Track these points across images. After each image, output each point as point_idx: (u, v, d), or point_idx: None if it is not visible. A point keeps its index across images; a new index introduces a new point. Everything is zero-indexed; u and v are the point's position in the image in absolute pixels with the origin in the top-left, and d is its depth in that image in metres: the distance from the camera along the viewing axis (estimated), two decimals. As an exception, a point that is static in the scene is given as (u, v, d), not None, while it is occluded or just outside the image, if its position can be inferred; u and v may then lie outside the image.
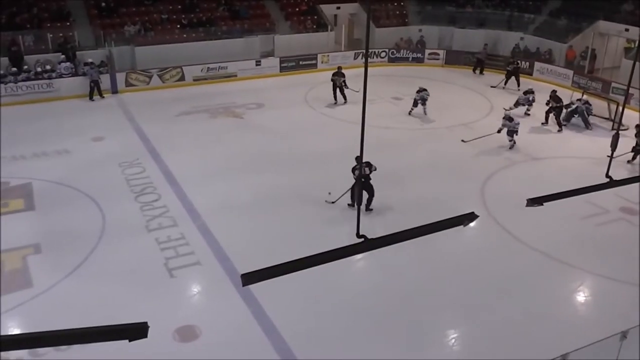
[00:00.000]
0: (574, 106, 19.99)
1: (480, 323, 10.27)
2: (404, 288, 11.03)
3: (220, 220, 13.08)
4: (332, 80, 21.56)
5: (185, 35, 24.99)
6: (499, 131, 17.77)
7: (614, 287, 11.43)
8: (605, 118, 20.09)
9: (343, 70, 21.74)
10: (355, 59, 26.89)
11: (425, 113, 20.36)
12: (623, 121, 19.24)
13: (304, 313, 10.22)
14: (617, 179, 6.95)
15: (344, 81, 21.33)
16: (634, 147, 16.77)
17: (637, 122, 17.37)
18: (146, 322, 3.63)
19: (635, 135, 16.92)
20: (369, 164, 12.92)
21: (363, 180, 12.63)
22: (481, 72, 26.52)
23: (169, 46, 24.01)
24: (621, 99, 19.11)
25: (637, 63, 20.81)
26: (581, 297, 11.42)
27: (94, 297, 10.40)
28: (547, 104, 19.94)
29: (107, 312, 9.45)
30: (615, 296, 11.17)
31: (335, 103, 21.54)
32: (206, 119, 19.87)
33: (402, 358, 9.22)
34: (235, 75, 24.53)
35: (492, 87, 24.06)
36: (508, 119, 17.88)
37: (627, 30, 24.61)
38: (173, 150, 16.83)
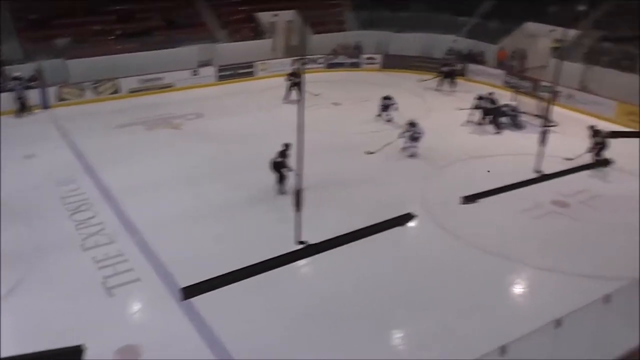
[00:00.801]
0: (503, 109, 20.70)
1: (423, 320, 10.42)
2: (348, 290, 11.06)
3: (161, 234, 12.83)
4: (289, 80, 22.32)
5: (119, 47, 24.47)
6: (400, 137, 17.73)
7: (548, 277, 11.84)
8: (535, 115, 20.76)
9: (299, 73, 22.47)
10: (292, 66, 26.95)
11: (390, 119, 20.50)
12: (553, 118, 20.02)
13: (249, 323, 10.09)
14: (547, 173, 7.20)
15: (298, 82, 21.89)
16: (589, 149, 16.91)
17: (580, 124, 17.96)
18: (80, 345, 3.52)
19: (590, 137, 17.23)
20: (283, 152, 14.38)
21: (278, 165, 14.26)
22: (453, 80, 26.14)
23: (103, 58, 23.40)
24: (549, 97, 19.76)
25: (562, 62, 21.69)
26: (518, 288, 11.77)
27: (29, 321, 10.03)
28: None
29: (44, 337, 9.13)
30: (549, 286, 11.57)
31: (288, 101, 22.23)
32: (143, 131, 19.52)
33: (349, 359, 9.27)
34: (173, 86, 24.21)
35: (422, 80, 24.75)
36: (411, 124, 17.72)
37: (552, 31, 25.53)
38: (109, 164, 16.43)
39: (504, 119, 20.49)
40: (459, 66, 26.52)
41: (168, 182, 15.49)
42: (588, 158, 16.67)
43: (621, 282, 9.04)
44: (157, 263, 11.74)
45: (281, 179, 14.78)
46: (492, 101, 20.49)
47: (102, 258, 11.90)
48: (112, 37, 24.71)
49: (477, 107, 20.75)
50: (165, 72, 24.00)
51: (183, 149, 18.00)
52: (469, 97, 21.63)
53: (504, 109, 20.58)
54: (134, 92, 23.30)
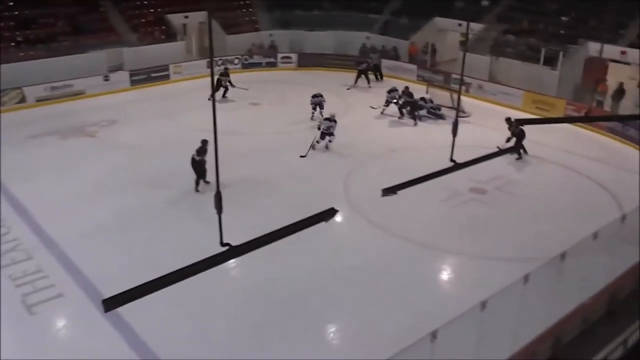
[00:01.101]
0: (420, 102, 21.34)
1: (353, 313, 10.62)
2: (279, 290, 11.11)
3: (81, 246, 12.38)
4: (218, 79, 22.43)
5: (22, 54, 23.25)
6: (319, 128, 18.00)
7: (471, 263, 12.34)
8: (450, 107, 21.49)
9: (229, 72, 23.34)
10: (208, 67, 26.60)
11: (322, 116, 20.05)
12: (466, 108, 20.83)
13: (179, 330, 9.96)
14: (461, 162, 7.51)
15: (229, 81, 22.76)
16: (508, 138, 17.46)
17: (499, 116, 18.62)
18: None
19: (509, 128, 17.78)
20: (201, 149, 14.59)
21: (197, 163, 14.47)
22: (381, 78, 26.62)
23: (5, 66, 22.06)
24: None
25: (470, 55, 22.56)
26: (445, 276, 12.19)
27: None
28: (399, 99, 20.96)
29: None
30: (474, 271, 12.06)
31: (224, 97, 22.79)
32: (56, 142, 18.66)
33: (285, 359, 9.30)
34: (83, 93, 23.29)
35: (347, 89, 24.73)
36: (328, 119, 18.02)
37: (460, 25, 26.53)
38: (21, 178, 15.60)
39: (422, 112, 21.09)
40: (375, 61, 26.93)
41: (85, 193, 14.93)
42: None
43: (538, 263, 9.51)
44: (79, 276, 11.35)
45: (199, 176, 14.87)
46: (409, 95, 21.02)
47: (20, 275, 11.35)
48: (13, 44, 23.45)
49: (388, 101, 21.27)
50: (75, 78, 23.03)
51: (99, 157, 17.39)
52: (382, 91, 22.10)
53: (420, 102, 21.19)
54: (42, 100, 22.21)
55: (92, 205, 14.31)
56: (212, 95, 5.50)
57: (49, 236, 12.79)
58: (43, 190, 15.01)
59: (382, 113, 21.43)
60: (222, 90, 22.81)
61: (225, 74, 23.01)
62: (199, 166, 14.75)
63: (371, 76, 25.85)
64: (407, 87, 21.56)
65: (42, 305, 10.52)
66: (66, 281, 11.21)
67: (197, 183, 14.94)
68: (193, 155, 14.69)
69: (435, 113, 21.19)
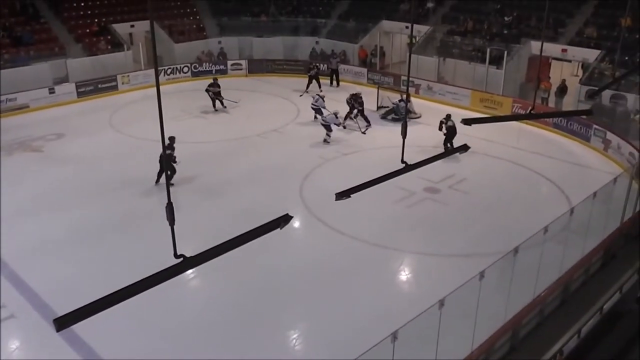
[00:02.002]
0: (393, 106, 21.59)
1: (314, 316, 10.64)
2: (236, 298, 11.04)
3: (32, 265, 12.00)
4: (206, 90, 22.31)
5: (-41, 68, 22.48)
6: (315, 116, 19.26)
7: (429, 261, 12.50)
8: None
9: (219, 82, 22.87)
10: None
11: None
12: (416, 109, 21.11)
13: (136, 344, 9.76)
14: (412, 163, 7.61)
15: (219, 92, 22.25)
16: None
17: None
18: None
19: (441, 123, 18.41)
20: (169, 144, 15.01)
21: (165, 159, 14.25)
22: (337, 83, 26.47)
23: (-60, 81, 21.37)
24: (410, 91, 20.80)
25: (418, 57, 22.90)
26: (403, 275, 12.31)
27: None
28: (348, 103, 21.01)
29: None
30: (431, 269, 12.23)
31: (216, 111, 22.50)
32: (1, 158, 18.03)
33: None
34: (28, 106, 22.60)
35: (300, 95, 24.64)
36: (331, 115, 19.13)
37: (407, 27, 26.92)
38: (-36, 196, 15.06)
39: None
40: (324, 67, 27.04)
41: (33, 209, 14.50)
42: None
43: (493, 258, 9.70)
44: (31, 296, 11.01)
45: (160, 172, 15.26)
46: (359, 98, 21.06)
47: (-33, 298, 10.91)
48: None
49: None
50: (18, 92, 22.33)
51: (46, 172, 16.91)
52: (334, 95, 22.16)
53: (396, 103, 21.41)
54: (-18, 116, 21.48)
55: (41, 221, 13.91)
56: (159, 108, 5.34)
57: (-4, 256, 12.35)
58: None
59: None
60: (218, 102, 22.58)
61: (214, 84, 22.54)
62: (167, 160, 14.76)
63: (325, 81, 25.88)
64: (358, 92, 21.50)
65: (-7, 328, 10.15)
66: (17, 301, 10.85)
67: (159, 178, 15.40)
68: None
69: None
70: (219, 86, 22.52)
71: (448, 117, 18.25)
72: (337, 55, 28.03)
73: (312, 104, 20.70)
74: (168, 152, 14.72)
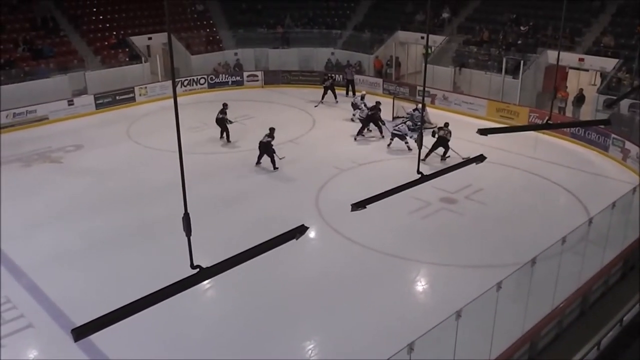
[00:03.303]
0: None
1: (331, 327, 10.60)
2: (253, 310, 11.04)
3: (50, 274, 12.13)
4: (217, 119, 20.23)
5: (-19, 81, 22.86)
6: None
7: (445, 272, 12.42)
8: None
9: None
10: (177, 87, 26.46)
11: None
12: (432, 120, 21.06)
13: (153, 354, 9.79)
14: (428, 173, 7.58)
15: (226, 119, 20.26)
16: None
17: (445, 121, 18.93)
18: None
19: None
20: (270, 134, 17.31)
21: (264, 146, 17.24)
22: (354, 93, 26.14)
23: (-35, 95, 21.78)
24: (425, 101, 20.78)
25: (434, 67, 22.93)
26: (419, 286, 12.25)
27: None
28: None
29: None
30: (447, 279, 12.15)
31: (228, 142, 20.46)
32: (20, 169, 18.28)
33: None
34: (47, 118, 22.92)
35: (315, 106, 24.68)
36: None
37: (422, 38, 26.95)
38: (-16, 207, 15.26)
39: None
40: (339, 78, 27.10)
41: (52, 219, 14.67)
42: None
43: (510, 269, 9.62)
44: (49, 306, 11.11)
45: (269, 157, 17.42)
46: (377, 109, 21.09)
47: (-13, 308, 11.04)
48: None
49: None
50: (38, 104, 22.68)
51: (64, 183, 17.10)
52: (349, 106, 22.20)
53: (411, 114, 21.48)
54: (4, 127, 21.74)
55: (59, 231, 14.06)
56: (177, 119, 5.38)
57: (16, 265, 12.49)
58: (8, 219, 14.62)
59: (352, 120, 21.73)
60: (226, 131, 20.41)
61: (223, 111, 20.25)
62: (265, 150, 17.53)
63: (341, 91, 25.93)
64: (378, 102, 21.57)
65: (12, 337, 10.24)
66: (36, 311, 10.96)
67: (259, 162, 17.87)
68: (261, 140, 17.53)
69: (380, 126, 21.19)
70: (225, 113, 20.30)
71: (446, 125, 18.25)
72: (352, 65, 28.07)
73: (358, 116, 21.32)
74: (266, 140, 17.31)
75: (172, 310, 9.50)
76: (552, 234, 10.89)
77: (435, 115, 22.34)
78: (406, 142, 18.92)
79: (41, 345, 10.28)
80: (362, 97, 22.14)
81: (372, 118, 20.53)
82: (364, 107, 21.31)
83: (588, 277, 10.58)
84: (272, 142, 17.49)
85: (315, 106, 24.54)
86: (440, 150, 18.02)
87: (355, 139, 20.33)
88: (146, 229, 14.06)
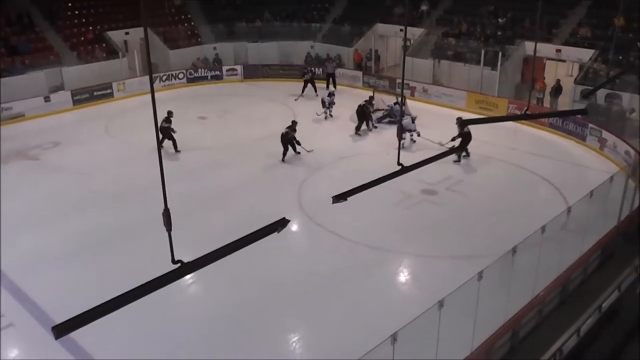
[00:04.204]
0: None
1: (315, 320, 10.66)
2: (237, 304, 11.02)
3: (31, 275, 11.98)
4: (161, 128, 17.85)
5: (-46, 78, 22.47)
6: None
7: (427, 263, 12.52)
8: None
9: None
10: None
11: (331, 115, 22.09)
12: (412, 112, 21.14)
13: (136, 350, 9.74)
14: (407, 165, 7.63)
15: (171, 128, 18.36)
16: (453, 137, 17.48)
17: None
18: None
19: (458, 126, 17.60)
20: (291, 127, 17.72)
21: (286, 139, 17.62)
22: (334, 87, 25.98)
23: (-63, 91, 21.37)
24: (405, 93, 20.85)
25: (413, 59, 23.00)
26: (402, 277, 12.32)
27: None
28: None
29: None
30: (430, 270, 12.24)
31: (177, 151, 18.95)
32: (-4, 167, 18.03)
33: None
34: (23, 115, 22.60)
35: (295, 100, 24.64)
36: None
37: (401, 30, 26.98)
38: (-40, 206, 15.03)
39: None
40: (319, 71, 27.08)
41: (30, 218, 14.49)
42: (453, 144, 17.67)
43: (491, 259, 9.71)
44: (30, 305, 11.00)
45: (293, 149, 17.84)
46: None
47: (-34, 308, 10.89)
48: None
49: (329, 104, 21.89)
50: (14, 101, 22.31)
51: (42, 181, 16.89)
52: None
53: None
54: (-22, 125, 21.45)
55: (39, 230, 13.89)
56: (154, 115, 5.33)
57: (-5, 265, 12.33)
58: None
59: (325, 119, 21.71)
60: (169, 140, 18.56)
61: (167, 120, 18.33)
62: (288, 143, 17.71)
63: (321, 84, 25.93)
64: (371, 97, 21.71)
65: (-8, 337, 10.13)
66: (16, 310, 10.84)
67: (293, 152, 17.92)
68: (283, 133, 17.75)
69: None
70: (170, 121, 18.38)
71: (461, 121, 18.10)
72: (333, 59, 28.05)
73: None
74: (287, 132, 17.77)
75: (155, 307, 9.47)
76: (532, 224, 11.00)
77: (415, 108, 22.44)
78: (411, 136, 18.83)
79: (23, 344, 10.18)
80: (331, 94, 22.37)
81: (362, 112, 20.54)
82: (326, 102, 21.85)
83: (567, 266, 10.73)
84: (295, 135, 17.77)
85: (296, 99, 24.50)
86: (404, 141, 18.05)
87: (357, 133, 20.45)
88: (127, 227, 13.93)
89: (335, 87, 26.27)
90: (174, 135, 18.45)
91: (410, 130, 18.56)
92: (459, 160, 17.55)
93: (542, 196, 15.82)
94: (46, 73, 24.30)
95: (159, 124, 17.22)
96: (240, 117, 22.60)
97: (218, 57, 29.10)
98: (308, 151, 17.97)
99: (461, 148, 17.40)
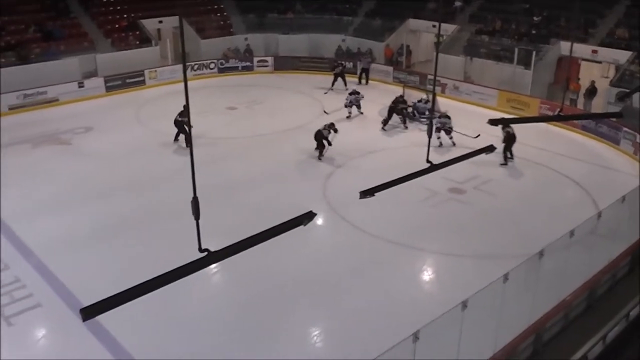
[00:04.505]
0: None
1: (338, 314, 10.63)
2: (259, 293, 11.07)
3: (59, 255, 12.21)
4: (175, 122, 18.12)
5: (-8, 61, 22.91)
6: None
7: (452, 262, 12.40)
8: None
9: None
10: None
11: (360, 113, 21.64)
12: (442, 109, 20.95)
13: (160, 336, 9.87)
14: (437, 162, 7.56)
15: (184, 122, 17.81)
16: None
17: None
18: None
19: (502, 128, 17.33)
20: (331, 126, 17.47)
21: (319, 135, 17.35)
22: (366, 82, 26.23)
23: (-25, 74, 21.84)
24: (436, 90, 20.65)
25: (445, 56, 22.74)
26: (425, 275, 12.24)
27: None
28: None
29: None
30: (454, 269, 12.13)
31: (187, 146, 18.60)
32: (28, 150, 18.35)
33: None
34: (57, 100, 22.96)
35: (324, 93, 24.57)
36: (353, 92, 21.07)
37: (433, 26, 26.74)
38: (-6, 187, 15.35)
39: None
40: (349, 64, 26.97)
41: (61, 201, 14.75)
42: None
43: (517, 260, 9.59)
44: (58, 286, 11.20)
45: (322, 147, 17.54)
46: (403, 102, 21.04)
47: (-4, 286, 11.15)
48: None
49: (352, 103, 21.44)
50: (48, 85, 22.69)
51: (73, 165, 17.17)
52: (364, 94, 22.05)
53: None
54: (14, 108, 21.84)
55: (68, 213, 14.12)
56: (186, 103, 5.35)
57: (25, 245, 12.58)
58: (17, 199, 14.73)
59: (348, 117, 21.36)
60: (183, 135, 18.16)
61: (182, 113, 17.84)
62: (321, 139, 17.34)
63: (353, 78, 25.77)
64: (401, 95, 21.55)
65: (20, 316, 10.36)
66: (44, 290, 11.06)
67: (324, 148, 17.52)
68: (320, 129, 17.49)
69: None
70: (184, 115, 17.56)
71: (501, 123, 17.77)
72: (368, 54, 27.83)
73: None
74: (180, 118, 17.10)
75: (177, 293, 9.57)
76: (560, 227, 10.84)
77: (446, 105, 22.23)
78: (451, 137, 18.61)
79: (49, 324, 10.38)
80: (355, 93, 21.78)
81: (393, 109, 20.41)
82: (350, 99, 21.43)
83: (596, 271, 10.53)
84: (328, 135, 17.44)
85: (325, 93, 24.45)
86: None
87: (383, 128, 20.32)
88: (155, 213, 14.10)
89: (367, 82, 26.12)
90: (191, 129, 17.76)
91: (441, 129, 18.41)
92: (505, 163, 17.30)
93: (571, 199, 15.56)
94: (80, 59, 24.63)
95: (174, 118, 17.78)
96: (269, 108, 22.63)
97: (249, 48, 29.18)
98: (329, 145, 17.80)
99: (507, 149, 17.20)
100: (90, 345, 9.57)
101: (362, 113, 21.59)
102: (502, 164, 17.24)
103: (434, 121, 18.28)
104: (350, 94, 21.87)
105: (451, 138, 18.55)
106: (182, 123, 17.85)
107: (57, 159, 17.75)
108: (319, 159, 17.42)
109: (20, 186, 15.55)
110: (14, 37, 24.09)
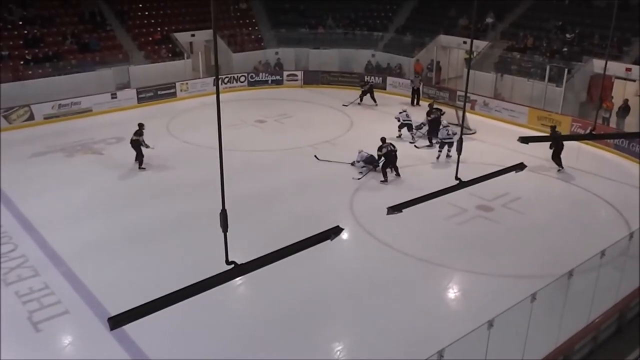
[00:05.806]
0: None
1: (361, 329, 10.58)
2: (284, 306, 11.09)
3: (88, 263, 12.40)
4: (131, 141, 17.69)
5: (30, 72, 23.51)
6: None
7: (478, 280, 12.26)
8: (455, 124, 21.48)
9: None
10: (215, 85, 26.75)
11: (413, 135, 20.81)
12: (472, 126, 20.83)
13: (186, 347, 9.93)
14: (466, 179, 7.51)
15: (141, 140, 17.79)
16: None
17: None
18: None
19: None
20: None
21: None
22: (417, 103, 25.43)
23: (14, 84, 22.44)
24: (466, 106, 20.54)
25: (475, 72, 22.65)
26: (451, 293, 12.11)
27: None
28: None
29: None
30: (481, 288, 11.98)
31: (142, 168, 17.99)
32: (62, 159, 18.77)
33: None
34: (91, 110, 23.46)
35: (343, 105, 24.65)
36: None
37: (464, 42, 26.65)
38: (28, 195, 15.71)
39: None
40: (378, 80, 26.99)
41: (92, 209, 15.01)
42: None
43: (546, 280, 9.46)
44: (86, 293, 11.36)
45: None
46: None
47: (26, 292, 11.37)
48: (22, 62, 23.69)
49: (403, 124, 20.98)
50: (82, 96, 23.22)
51: (105, 174, 17.46)
52: (388, 109, 22.05)
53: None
54: (49, 118, 22.40)
55: (99, 221, 14.35)
56: (218, 115, 5.43)
57: (55, 253, 12.82)
58: (49, 207, 15.06)
59: (412, 142, 20.67)
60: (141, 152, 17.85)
61: (138, 132, 17.82)
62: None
63: (407, 99, 25.62)
64: (437, 109, 21.14)
65: (48, 322, 10.53)
66: (72, 298, 11.23)
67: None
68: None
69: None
70: (141, 134, 17.83)
71: (553, 128, 18.34)
72: (419, 74, 27.31)
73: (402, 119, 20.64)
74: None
75: (203, 304, 9.64)
76: (590, 247, 10.66)
77: (475, 121, 22.11)
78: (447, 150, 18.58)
79: (76, 331, 10.52)
80: (404, 111, 21.16)
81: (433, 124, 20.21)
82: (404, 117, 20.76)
83: (626, 293, 10.33)
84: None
85: (344, 105, 24.48)
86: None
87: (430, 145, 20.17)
88: (183, 223, 14.25)
89: (418, 103, 25.44)
90: (147, 150, 17.66)
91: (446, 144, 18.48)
92: (562, 168, 17.78)
93: (603, 219, 15.30)
94: (114, 70, 25.18)
95: (132, 137, 17.62)
96: (298, 122, 22.76)
97: (279, 62, 29.45)
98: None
99: (556, 157, 17.48)
100: (116, 354, 9.68)
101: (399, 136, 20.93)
102: (559, 170, 17.88)
103: (440, 135, 18.72)
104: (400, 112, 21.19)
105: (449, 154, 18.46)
106: (138, 143, 17.56)
107: (90, 168, 18.08)
108: (383, 182, 16.90)
109: (52, 194, 15.88)
110: (52, 49, 24.72)
